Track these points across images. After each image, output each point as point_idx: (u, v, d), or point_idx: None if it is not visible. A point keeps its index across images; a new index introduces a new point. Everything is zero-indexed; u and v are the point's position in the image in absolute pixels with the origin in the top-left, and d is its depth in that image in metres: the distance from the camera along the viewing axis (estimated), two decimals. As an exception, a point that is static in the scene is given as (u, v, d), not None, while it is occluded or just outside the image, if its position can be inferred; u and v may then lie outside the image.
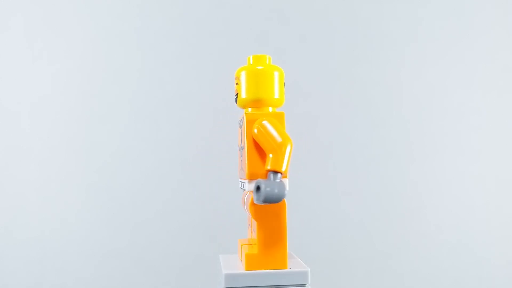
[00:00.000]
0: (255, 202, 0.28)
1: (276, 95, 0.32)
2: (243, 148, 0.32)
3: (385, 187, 0.54)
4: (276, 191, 0.27)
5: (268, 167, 0.28)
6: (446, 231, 0.53)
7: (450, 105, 0.53)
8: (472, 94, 0.53)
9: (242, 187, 0.34)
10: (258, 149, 0.31)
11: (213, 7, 0.58)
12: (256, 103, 0.32)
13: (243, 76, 0.32)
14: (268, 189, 0.27)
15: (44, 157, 0.59)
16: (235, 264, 0.32)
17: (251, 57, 0.33)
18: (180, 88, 0.58)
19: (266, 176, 0.28)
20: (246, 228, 0.38)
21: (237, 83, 0.33)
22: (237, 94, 0.33)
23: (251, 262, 0.30)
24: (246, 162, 0.31)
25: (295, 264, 0.31)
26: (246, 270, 0.30)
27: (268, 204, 0.29)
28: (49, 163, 0.59)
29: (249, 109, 0.33)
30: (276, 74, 0.32)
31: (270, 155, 0.29)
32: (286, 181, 0.31)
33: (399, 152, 0.54)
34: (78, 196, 0.59)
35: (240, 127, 0.34)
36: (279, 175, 0.28)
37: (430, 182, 0.54)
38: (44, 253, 0.59)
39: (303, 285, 0.29)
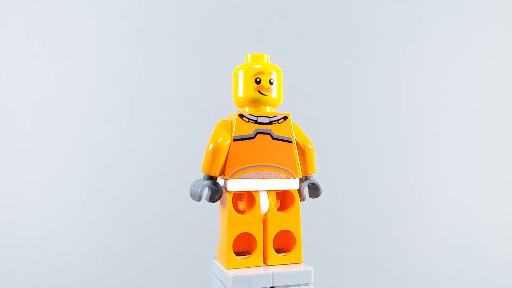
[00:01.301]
0: None
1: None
2: None
3: (384, 187, 0.54)
4: (194, 190, 0.30)
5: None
6: (446, 232, 0.53)
7: (450, 104, 0.53)
8: (472, 94, 0.53)
9: None
10: None
11: (213, 7, 0.58)
12: (254, 102, 0.32)
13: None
14: (192, 187, 0.31)
15: (45, 157, 0.59)
16: None
17: (249, 56, 0.32)
18: (181, 88, 0.58)
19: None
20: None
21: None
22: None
23: (217, 252, 0.32)
24: None
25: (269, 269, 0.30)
26: (216, 259, 0.32)
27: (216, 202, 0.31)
28: (49, 164, 0.59)
29: (246, 108, 0.32)
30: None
31: None
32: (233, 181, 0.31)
33: (398, 152, 0.54)
34: (79, 196, 0.59)
35: None
36: (212, 177, 0.30)
37: (429, 182, 0.53)
38: (44, 253, 0.59)
39: None
